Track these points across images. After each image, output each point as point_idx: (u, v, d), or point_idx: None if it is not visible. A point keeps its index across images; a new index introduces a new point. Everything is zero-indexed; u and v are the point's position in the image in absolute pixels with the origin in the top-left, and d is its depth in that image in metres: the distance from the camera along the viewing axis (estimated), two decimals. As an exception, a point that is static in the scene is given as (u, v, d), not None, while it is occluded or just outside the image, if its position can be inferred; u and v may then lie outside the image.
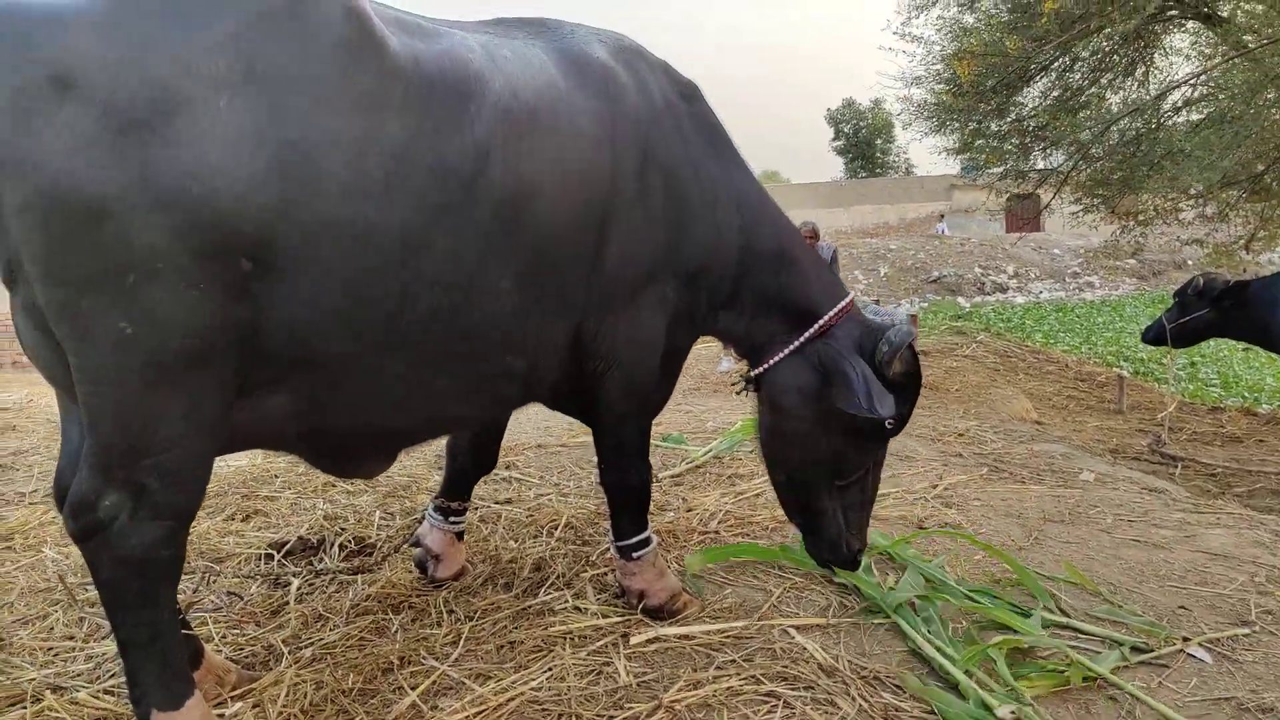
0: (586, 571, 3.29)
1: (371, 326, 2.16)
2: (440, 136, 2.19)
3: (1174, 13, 8.63)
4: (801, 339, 2.93)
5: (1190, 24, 9.93)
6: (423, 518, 3.47)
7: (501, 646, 2.77)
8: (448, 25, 2.54)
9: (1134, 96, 10.68)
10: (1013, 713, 2.32)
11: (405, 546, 3.57)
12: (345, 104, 2.03)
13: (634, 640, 2.77)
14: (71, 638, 2.88)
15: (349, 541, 3.69)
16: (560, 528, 3.78)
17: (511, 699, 2.44)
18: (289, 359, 2.10)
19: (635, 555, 2.97)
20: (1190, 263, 32.00)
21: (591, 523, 3.86)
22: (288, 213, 1.94)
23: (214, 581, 3.36)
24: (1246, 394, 11.49)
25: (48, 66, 1.72)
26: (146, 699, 2.07)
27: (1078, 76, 10.74)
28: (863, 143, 54.08)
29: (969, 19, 11.06)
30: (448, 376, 2.39)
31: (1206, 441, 8.32)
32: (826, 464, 2.90)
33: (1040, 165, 10.50)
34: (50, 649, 2.80)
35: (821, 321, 2.93)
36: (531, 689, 2.48)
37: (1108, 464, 5.60)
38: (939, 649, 2.64)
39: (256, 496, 4.34)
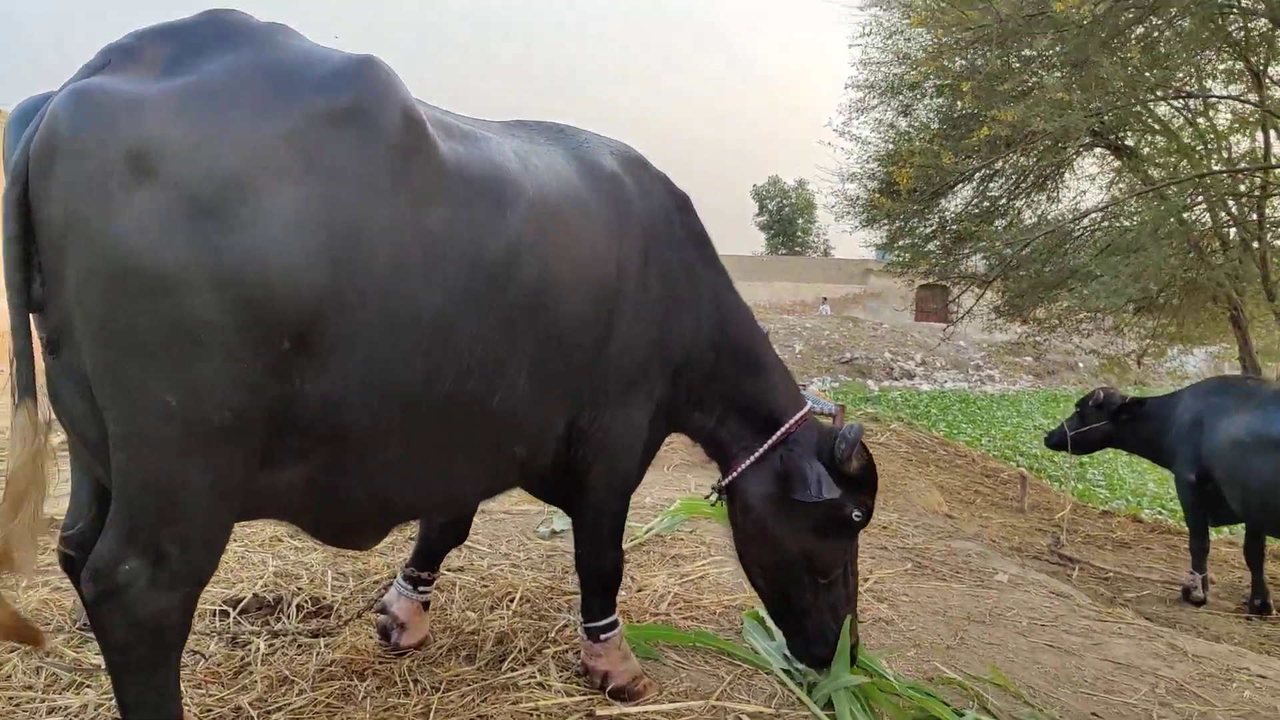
0: (549, 648, 3.40)
1: (397, 407, 2.28)
2: (477, 233, 2.36)
3: (1087, 140, 9.47)
4: (765, 446, 3.15)
5: (1098, 150, 10.92)
6: (383, 583, 3.52)
7: (473, 719, 2.85)
8: (481, 125, 2.74)
9: (1045, 209, 11.63)
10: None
11: (367, 611, 3.61)
12: (395, 200, 2.18)
13: (599, 717, 2.90)
14: (30, 687, 2.84)
15: (305, 602, 3.70)
16: (516, 600, 3.88)
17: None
18: (315, 434, 2.19)
19: (603, 637, 3.10)
20: (1081, 365, 34.15)
21: (546, 597, 3.97)
22: (332, 296, 2.07)
23: (170, 637, 3.32)
24: (1130, 497, 12.33)
25: (129, 149, 1.83)
26: None
27: (995, 187, 11.64)
28: (785, 220, 56.05)
29: (903, 123, 11.87)
30: (459, 458, 2.52)
31: (1099, 545, 8.90)
32: (803, 564, 3.09)
33: (960, 268, 11.23)
34: (11, 699, 2.75)
35: (784, 429, 3.17)
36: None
37: (1018, 565, 5.99)
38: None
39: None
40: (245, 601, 3.64)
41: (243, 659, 3.18)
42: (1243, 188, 8.12)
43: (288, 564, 4.17)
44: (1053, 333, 12.15)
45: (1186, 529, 9.84)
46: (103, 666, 3.00)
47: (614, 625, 3.13)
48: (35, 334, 2.00)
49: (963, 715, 3.13)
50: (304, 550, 4.40)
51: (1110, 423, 7.73)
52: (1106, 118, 7.48)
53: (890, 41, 10.68)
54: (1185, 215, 7.59)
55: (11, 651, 3.05)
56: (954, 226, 11.33)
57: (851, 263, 44.55)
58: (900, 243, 11.69)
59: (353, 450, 2.28)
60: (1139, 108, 7.26)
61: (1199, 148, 8.93)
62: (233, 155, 1.93)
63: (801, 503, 2.99)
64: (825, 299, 41.50)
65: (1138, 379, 12.64)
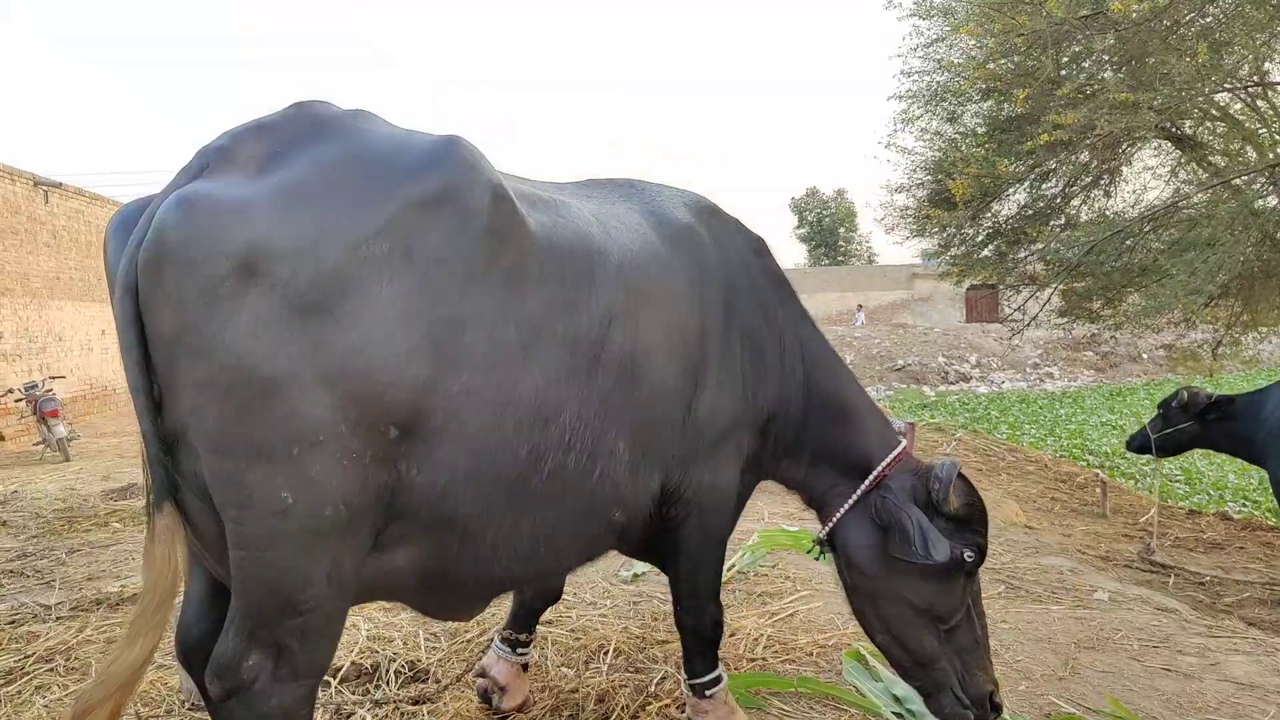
0: (651, 704, 3.35)
1: (501, 488, 2.26)
2: (571, 308, 2.35)
3: (1148, 135, 9.23)
4: (858, 493, 3.05)
5: (1156, 142, 10.64)
6: (474, 642, 3.50)
7: (586, 788, 2.81)
8: (556, 190, 2.73)
9: (1104, 205, 11.34)
10: None
11: (466, 675, 3.60)
12: (490, 282, 2.17)
13: (713, 780, 2.84)
14: (149, 778, 2.87)
15: (403, 667, 3.71)
16: (610, 653, 3.84)
17: None
18: (421, 519, 2.18)
19: (708, 693, 3.04)
20: (1145, 356, 33.26)
21: (639, 648, 3.93)
22: (435, 384, 2.06)
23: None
24: (1211, 491, 11.88)
25: (236, 256, 1.85)
26: None
27: (1050, 186, 11.39)
28: (826, 230, 55.69)
29: (949, 130, 11.70)
30: (562, 531, 2.49)
31: (1189, 548, 8.56)
32: (921, 613, 2.93)
33: (1016, 270, 10.98)
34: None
35: (876, 472, 3.07)
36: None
37: (1114, 580, 5.79)
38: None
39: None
40: (344, 670, 3.66)
41: (350, 732, 3.19)
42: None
43: (378, 626, 4.19)
44: (1118, 330, 11.80)
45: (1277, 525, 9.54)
46: None
47: (718, 680, 3.07)
48: None
49: (1089, 755, 3.00)
50: (392, 611, 4.42)
51: (1197, 423, 7.46)
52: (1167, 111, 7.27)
53: (931, 49, 10.57)
54: (1259, 204, 7.31)
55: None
56: (1010, 228, 11.11)
57: (896, 268, 44.05)
58: (953, 250, 11.48)
59: (459, 533, 2.26)
60: (1201, 99, 7.02)
61: (1262, 131, 8.65)
62: (334, 252, 1.94)
63: (899, 557, 2.88)
64: (860, 306, 40.80)
65: (1212, 369, 12.15)
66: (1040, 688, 3.62)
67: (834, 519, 3.06)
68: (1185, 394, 7.52)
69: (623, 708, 3.32)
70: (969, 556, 2.89)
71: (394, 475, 2.07)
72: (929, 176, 11.79)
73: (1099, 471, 11.52)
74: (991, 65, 7.57)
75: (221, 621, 2.29)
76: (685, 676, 3.09)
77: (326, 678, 3.58)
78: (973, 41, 8.27)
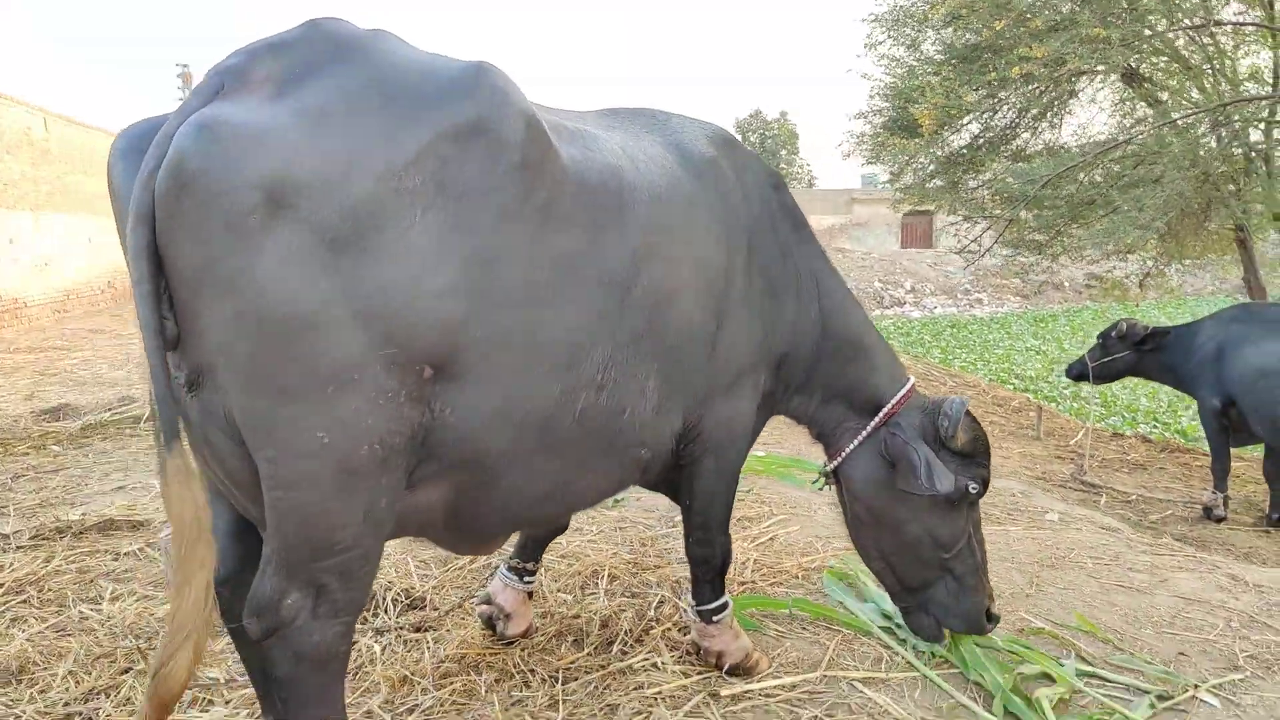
0: (654, 628, 3.46)
1: (534, 427, 2.27)
2: (602, 245, 2.32)
3: (1102, 67, 9.40)
4: (869, 429, 3.16)
5: (1110, 77, 10.84)
6: (466, 569, 3.52)
7: (602, 709, 2.91)
8: (581, 120, 2.66)
9: (1051, 139, 11.57)
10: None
11: (465, 603, 3.65)
12: (523, 217, 2.12)
13: (724, 696, 2.98)
14: (165, 711, 2.85)
15: (399, 596, 3.74)
16: (604, 579, 3.93)
17: (638, 767, 2.60)
18: (454, 457, 2.18)
19: (715, 619, 3.16)
20: (1067, 284, 34.56)
21: (633, 574, 4.03)
22: (470, 323, 2.03)
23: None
24: (1125, 413, 12.60)
25: (264, 185, 1.77)
26: None
27: (1000, 118, 11.55)
28: (768, 153, 55.53)
29: (908, 57, 11.70)
30: (591, 468, 2.52)
31: (1116, 469, 9.10)
32: (923, 542, 3.10)
33: (969, 201, 11.17)
34: (143, 722, 2.77)
35: (886, 409, 3.18)
36: (651, 757, 2.64)
37: (1062, 502, 6.13)
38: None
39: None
40: (341, 599, 3.66)
41: (356, 660, 3.22)
42: (1261, 114, 8.12)
43: (367, 554, 4.19)
44: (1055, 260, 12.18)
45: (1193, 447, 10.18)
46: (224, 681, 3.06)
47: (725, 606, 3.18)
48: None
49: (1061, 664, 3.23)
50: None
51: (1133, 353, 7.85)
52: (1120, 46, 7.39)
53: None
54: (1204, 143, 7.57)
55: (125, 672, 3.08)
56: (963, 158, 11.27)
57: (835, 193, 44.29)
58: (905, 178, 11.61)
59: (491, 471, 2.27)
60: (1154, 36, 7.15)
61: (1206, 68, 8.89)
62: (365, 183, 1.87)
63: (906, 489, 3.00)
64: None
65: (1138, 299, 12.70)
66: (1011, 605, 3.86)
67: (844, 454, 3.16)
68: (1124, 325, 7.88)
69: (626, 632, 3.43)
70: (973, 489, 3.03)
71: (428, 414, 2.06)
72: (887, 104, 11.82)
73: (1029, 396, 12.05)
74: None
75: (245, 557, 2.30)
76: (693, 603, 3.19)
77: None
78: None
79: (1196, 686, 3.18)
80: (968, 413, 3.10)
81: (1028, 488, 6.37)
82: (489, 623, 3.40)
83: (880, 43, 11.03)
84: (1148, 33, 6.77)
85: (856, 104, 11.46)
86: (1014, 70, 7.30)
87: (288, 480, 1.94)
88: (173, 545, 1.98)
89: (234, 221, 1.77)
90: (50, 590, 3.78)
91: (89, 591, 3.73)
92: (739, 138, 3.15)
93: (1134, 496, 8.00)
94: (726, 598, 3.20)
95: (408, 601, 3.73)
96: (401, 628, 3.50)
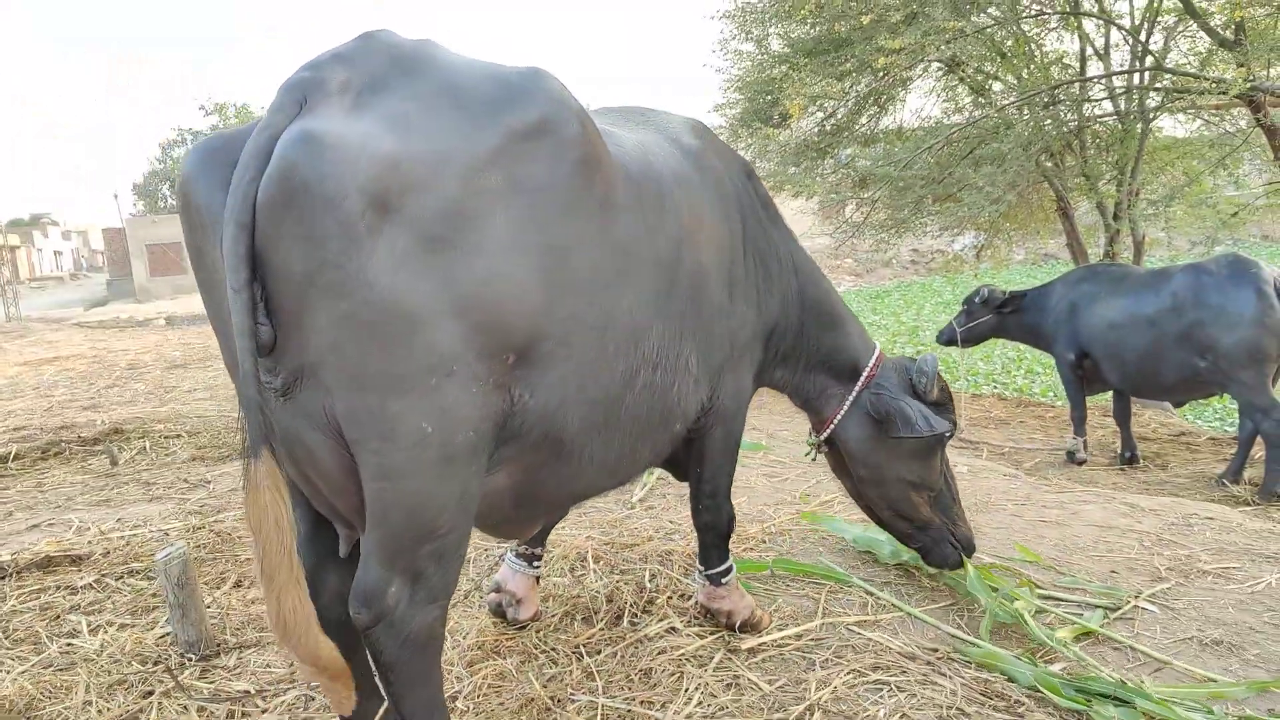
0: (658, 597, 3.62)
1: (601, 406, 2.41)
2: (651, 233, 2.48)
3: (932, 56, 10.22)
4: (854, 393, 3.46)
5: (934, 67, 11.78)
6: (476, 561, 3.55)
7: (638, 674, 3.06)
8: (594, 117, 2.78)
9: (887, 123, 12.46)
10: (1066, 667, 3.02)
11: (472, 592, 3.68)
12: (586, 209, 2.26)
13: (743, 650, 3.19)
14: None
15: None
16: (590, 560, 4.05)
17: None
18: (529, 439, 2.29)
19: (723, 581, 3.36)
20: (894, 261, 36.86)
21: (614, 553, 4.16)
22: (547, 311, 2.16)
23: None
24: (968, 377, 13.81)
25: (370, 191, 1.85)
26: None
27: (841, 104, 12.33)
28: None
29: (756, 52, 12.26)
30: (645, 442, 2.67)
31: (983, 425, 9.96)
32: (916, 487, 3.46)
33: (825, 183, 11.85)
34: None
35: (866, 373, 3.48)
36: (701, 713, 2.81)
37: (964, 456, 6.71)
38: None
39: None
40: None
41: (377, 661, 3.20)
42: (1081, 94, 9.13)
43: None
44: (901, 237, 13.08)
45: (1043, 402, 11.29)
46: (255, 691, 2.99)
47: (731, 569, 3.39)
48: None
49: (1023, 590, 3.64)
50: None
51: (995, 316, 8.62)
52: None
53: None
54: (1042, 124, 8.41)
55: (148, 695, 2.95)
56: (816, 144, 11.93)
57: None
58: (761, 165, 12.18)
59: (562, 448, 2.38)
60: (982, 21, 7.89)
61: (1020, 54, 9.89)
62: (454, 185, 1.97)
63: (902, 437, 3.32)
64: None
65: (975, 271, 13.83)
66: (958, 546, 4.26)
67: (834, 420, 3.44)
68: (985, 291, 8.64)
69: (631, 605, 3.58)
70: (949, 433, 3.38)
71: (509, 400, 2.16)
72: (740, 96, 12.36)
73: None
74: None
75: (322, 556, 2.34)
76: (702, 568, 3.38)
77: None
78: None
79: (1137, 596, 3.66)
80: (938, 368, 3.45)
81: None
82: (497, 610, 3.46)
83: (734, 37, 11.53)
84: (980, 22, 7.47)
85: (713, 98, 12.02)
86: (881, 60, 7.89)
87: (396, 470, 2.00)
88: (257, 547, 1.99)
89: (345, 226, 1.83)
90: (17, 630, 3.53)
91: (60, 627, 3.52)
92: (712, 132, 3.35)
93: (1006, 448, 8.81)
94: (731, 561, 3.40)
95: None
96: (405, 627, 3.49)
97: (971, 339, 9.03)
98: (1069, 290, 8.08)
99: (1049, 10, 9.90)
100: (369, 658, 2.19)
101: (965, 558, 3.56)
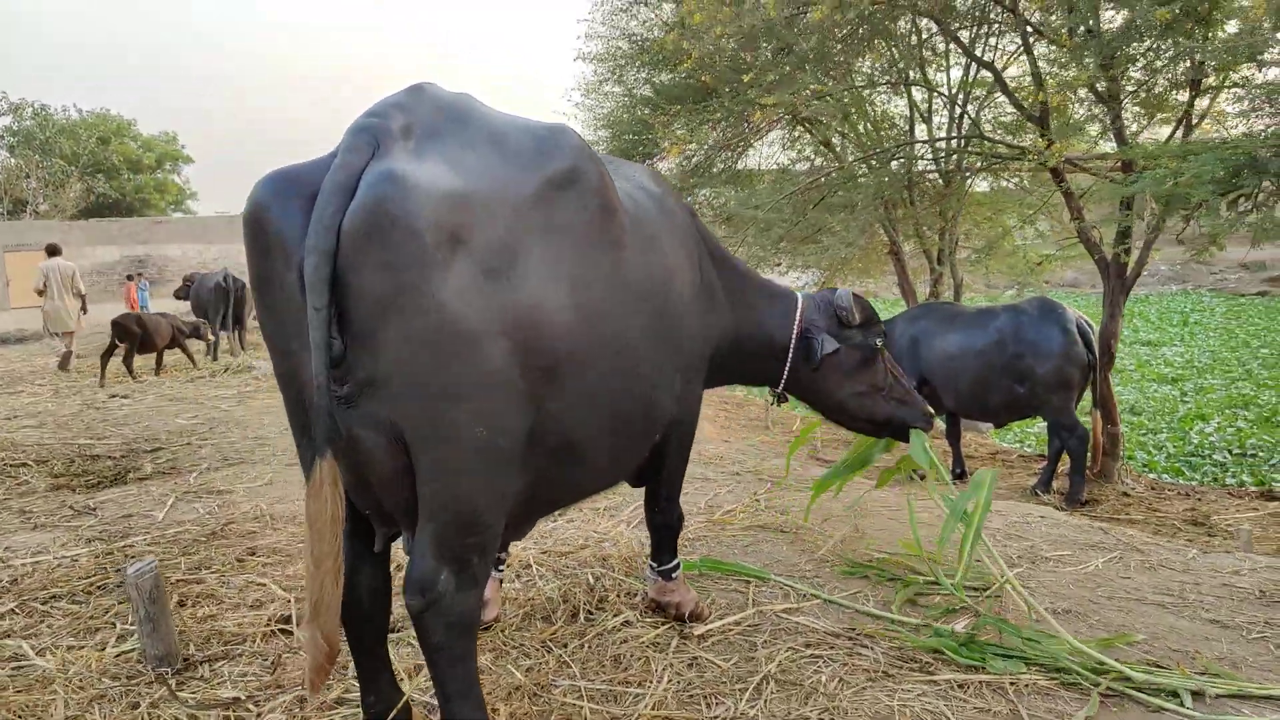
0: (608, 596, 3.98)
1: (605, 416, 2.79)
2: (649, 268, 2.92)
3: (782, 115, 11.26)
4: (791, 353, 3.91)
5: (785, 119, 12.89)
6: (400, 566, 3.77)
7: (609, 660, 3.41)
8: None
9: (737, 167, 13.51)
10: (965, 626, 3.65)
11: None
12: (603, 248, 2.69)
13: (695, 636, 3.61)
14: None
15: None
16: (532, 567, 4.36)
17: (669, 694, 3.15)
18: (549, 444, 2.65)
19: (673, 575, 3.78)
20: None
21: (554, 560, 4.49)
22: (575, 333, 2.56)
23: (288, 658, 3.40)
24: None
25: (446, 226, 2.21)
26: None
27: (697, 150, 13.25)
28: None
29: (619, 92, 12.96)
30: (636, 448, 3.06)
31: (835, 447, 10.92)
32: (873, 393, 4.00)
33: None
34: None
35: (796, 331, 3.90)
36: (675, 689, 3.21)
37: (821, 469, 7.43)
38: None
39: (249, 565, 4.15)
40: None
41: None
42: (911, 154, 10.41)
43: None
44: (770, 273, 14.10)
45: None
46: (245, 698, 3.11)
47: (679, 565, 3.82)
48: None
49: (918, 577, 4.27)
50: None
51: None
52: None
53: (616, 19, 11.63)
54: (884, 178, 9.50)
55: (135, 707, 3.01)
56: (683, 184, 12.73)
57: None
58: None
59: (573, 453, 2.75)
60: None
61: (856, 113, 11.10)
62: (506, 220, 2.36)
63: (842, 358, 3.86)
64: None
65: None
66: (852, 546, 4.88)
67: (784, 376, 3.94)
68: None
69: (583, 604, 3.92)
70: (879, 342, 3.97)
71: (536, 411, 2.52)
72: (608, 133, 13.02)
73: (751, 394, 13.85)
74: (697, 45, 8.76)
75: (359, 553, 2.60)
76: (654, 565, 3.78)
77: (280, 627, 3.65)
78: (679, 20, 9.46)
79: (1005, 582, 4.37)
80: (855, 295, 3.99)
81: (808, 462, 7.64)
82: (462, 613, 3.70)
83: (605, 79, 12.20)
84: (842, 86, 8.49)
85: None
86: (757, 115, 8.71)
87: (450, 469, 2.32)
88: (311, 537, 2.24)
89: (424, 255, 2.16)
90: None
91: (2, 652, 3.44)
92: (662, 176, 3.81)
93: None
94: (679, 558, 3.83)
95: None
96: (372, 633, 3.67)
97: (822, 368, 9.93)
98: (909, 325, 9.13)
99: (890, 79, 11.16)
100: (416, 639, 2.45)
101: (918, 430, 4.13)
